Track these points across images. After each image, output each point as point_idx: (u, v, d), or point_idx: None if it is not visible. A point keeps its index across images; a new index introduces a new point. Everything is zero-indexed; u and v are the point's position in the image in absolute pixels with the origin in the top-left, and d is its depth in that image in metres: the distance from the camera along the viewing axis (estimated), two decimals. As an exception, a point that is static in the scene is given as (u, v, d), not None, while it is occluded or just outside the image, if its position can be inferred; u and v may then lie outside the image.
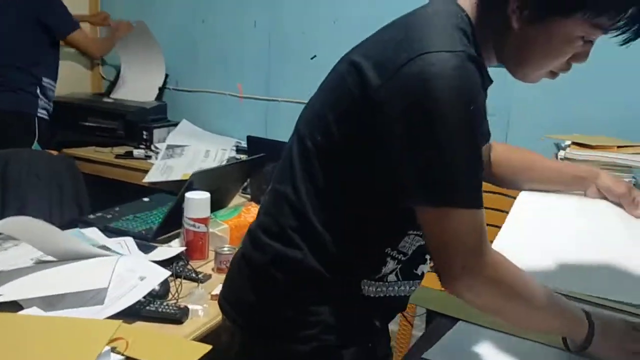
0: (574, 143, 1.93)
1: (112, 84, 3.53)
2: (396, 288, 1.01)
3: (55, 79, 2.85)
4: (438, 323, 1.07)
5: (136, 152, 2.85)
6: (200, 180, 1.58)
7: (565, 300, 0.94)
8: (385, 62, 0.83)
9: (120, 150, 2.91)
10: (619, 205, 1.25)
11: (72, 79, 3.57)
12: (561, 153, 1.87)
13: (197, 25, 3.24)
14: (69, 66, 3.59)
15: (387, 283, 0.99)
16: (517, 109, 2.60)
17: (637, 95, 2.40)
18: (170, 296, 1.29)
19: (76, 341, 0.95)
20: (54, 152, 2.24)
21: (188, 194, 1.49)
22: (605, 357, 0.92)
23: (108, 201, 1.91)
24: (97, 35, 3.69)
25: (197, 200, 1.50)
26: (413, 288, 1.05)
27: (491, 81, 0.96)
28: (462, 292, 0.86)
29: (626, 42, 0.87)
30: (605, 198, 1.27)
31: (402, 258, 0.97)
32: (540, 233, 1.18)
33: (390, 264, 0.96)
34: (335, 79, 0.92)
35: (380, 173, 0.86)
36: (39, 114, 2.72)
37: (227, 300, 1.03)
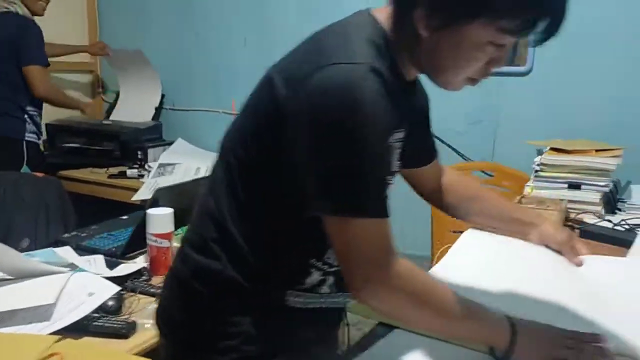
0: (551, 148, 1.92)
1: (112, 107, 3.61)
2: (329, 300, 1.01)
3: (38, 106, 2.88)
4: (374, 332, 1.05)
5: (129, 172, 2.90)
6: (164, 196, 1.60)
7: (486, 308, 0.92)
8: (293, 75, 0.84)
9: (115, 170, 2.97)
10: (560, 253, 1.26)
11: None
12: (537, 159, 1.86)
13: (191, 40, 3.32)
14: (71, 91, 3.69)
15: (318, 294, 0.99)
16: (505, 115, 2.58)
17: (626, 99, 2.37)
18: (123, 311, 1.30)
19: (7, 356, 0.97)
20: (40, 175, 2.29)
21: (150, 211, 1.51)
22: None
23: (100, 220, 1.94)
24: (97, 65, 3.80)
25: (159, 216, 1.51)
26: (348, 300, 1.04)
27: (411, 92, 0.96)
28: (366, 300, 0.86)
29: (537, 43, 0.87)
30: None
31: (328, 269, 0.97)
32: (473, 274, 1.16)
33: (315, 275, 0.96)
34: (253, 93, 0.94)
35: (291, 185, 0.87)
36: (27, 138, 2.78)
37: (159, 315, 1.04)
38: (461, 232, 1.39)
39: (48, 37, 3.35)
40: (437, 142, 2.79)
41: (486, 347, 0.93)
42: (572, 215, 1.73)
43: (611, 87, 2.38)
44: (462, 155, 2.69)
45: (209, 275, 0.94)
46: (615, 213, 1.76)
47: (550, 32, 0.84)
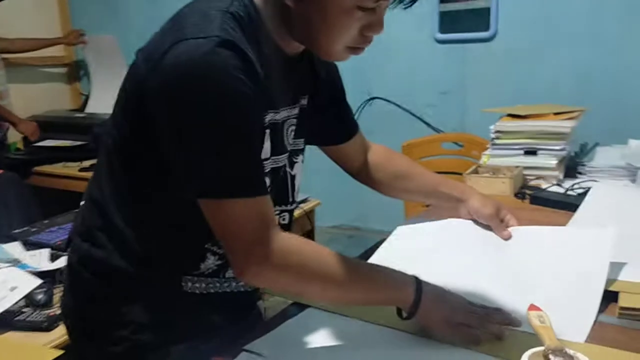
0: (507, 115, 1.86)
1: (87, 99, 3.59)
2: (234, 284, 0.98)
3: None
4: (285, 312, 1.02)
5: (102, 164, 2.88)
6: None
7: (390, 270, 0.90)
8: (151, 53, 0.81)
9: (87, 163, 2.95)
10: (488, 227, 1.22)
11: (50, 96, 3.67)
12: (492, 126, 1.81)
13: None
14: (47, 84, 3.68)
15: (223, 279, 0.96)
16: (472, 83, 2.52)
17: (593, 61, 2.30)
18: (53, 304, 1.29)
19: None
20: (-1, 171, 2.29)
21: (82, 203, 1.49)
22: (431, 325, 0.88)
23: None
24: (72, 56, 3.78)
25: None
26: None
27: (297, 66, 0.92)
28: (251, 280, 0.84)
29: (407, 5, 0.83)
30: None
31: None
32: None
33: (211, 260, 0.93)
34: (126, 74, 0.90)
35: (166, 164, 0.83)
36: None
37: (61, 305, 1.02)
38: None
39: (19, 30, 3.36)
40: (408, 115, 2.78)
41: (393, 309, 0.91)
42: (530, 182, 1.69)
43: (578, 49, 2.31)
44: (432, 127, 2.64)
45: (94, 263, 0.91)
46: (577, 177, 1.70)
47: None
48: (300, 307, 1.02)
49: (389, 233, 1.41)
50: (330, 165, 1.23)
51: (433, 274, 0.93)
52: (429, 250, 1.18)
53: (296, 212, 2.15)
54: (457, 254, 1.16)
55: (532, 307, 0.83)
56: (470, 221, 1.25)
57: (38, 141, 3.24)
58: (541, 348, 0.70)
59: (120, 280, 0.90)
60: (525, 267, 1.08)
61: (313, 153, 1.18)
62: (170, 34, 0.79)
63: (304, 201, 2.22)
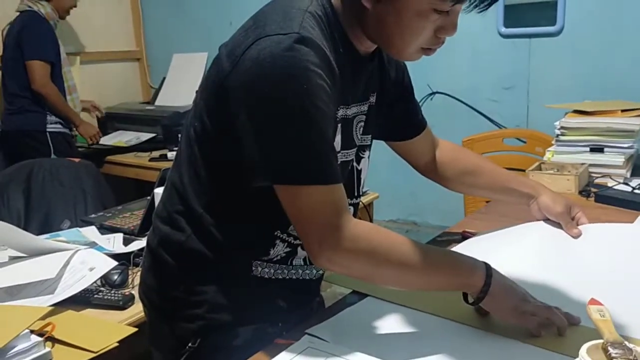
0: (573, 111, 1.83)
1: (157, 93, 3.74)
2: (300, 272, 1.03)
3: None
4: (344, 300, 1.06)
5: (170, 154, 3.00)
6: (174, 175, 1.65)
7: (460, 255, 0.93)
8: (234, 49, 0.86)
9: (157, 153, 3.09)
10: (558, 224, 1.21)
11: (122, 89, 3.84)
12: (557, 122, 1.78)
13: (225, 27, 3.37)
14: (120, 77, 3.86)
15: (290, 266, 1.01)
16: (537, 78, 2.48)
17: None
18: (128, 284, 1.37)
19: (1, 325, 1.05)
20: (76, 160, 2.42)
21: (157, 190, 1.57)
22: (497, 312, 0.89)
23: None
24: (143, 52, 3.94)
25: (165, 194, 1.56)
26: (321, 272, 1.06)
27: (370, 64, 0.97)
28: (325, 265, 0.87)
29: (482, 9, 0.85)
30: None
31: (294, 241, 0.98)
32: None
33: (280, 247, 0.97)
34: (209, 69, 0.96)
35: (240, 157, 0.88)
36: (49, 129, 2.94)
37: (140, 284, 1.09)
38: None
39: (94, 37, 3.54)
40: (470, 110, 2.75)
41: (459, 299, 0.93)
42: (595, 180, 1.66)
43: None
44: (495, 123, 2.61)
45: (173, 246, 0.97)
46: (646, 176, 1.66)
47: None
48: (359, 295, 1.06)
49: (446, 228, 1.42)
50: (388, 159, 1.26)
51: (500, 267, 0.94)
52: (497, 249, 1.18)
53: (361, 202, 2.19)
54: (526, 252, 1.16)
55: (593, 301, 0.83)
56: (540, 222, 1.24)
57: (109, 134, 3.42)
58: (600, 341, 0.71)
59: (197, 262, 0.96)
60: (593, 264, 1.08)
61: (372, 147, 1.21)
62: (253, 30, 0.85)
63: (363, 193, 2.24)
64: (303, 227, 0.86)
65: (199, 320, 0.96)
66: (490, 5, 0.85)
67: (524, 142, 2.38)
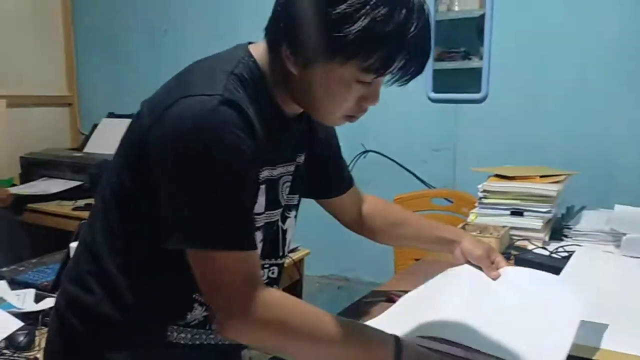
0: (495, 175, 1.90)
1: (87, 139, 3.64)
2: (220, 336, 0.99)
3: None
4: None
5: (95, 204, 2.90)
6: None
7: (370, 329, 0.92)
8: (156, 107, 0.85)
9: (82, 202, 2.97)
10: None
11: (51, 134, 3.71)
12: (480, 186, 1.84)
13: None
14: (48, 122, 3.73)
15: (208, 331, 0.97)
16: (463, 142, 2.58)
17: (581, 127, 2.36)
18: (34, 346, 1.28)
19: None
20: (-12, 209, 2.29)
21: (72, 244, 1.50)
22: None
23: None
24: (75, 98, 3.84)
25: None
26: None
27: (296, 126, 0.97)
28: (231, 335, 0.84)
29: (402, 83, 0.88)
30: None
31: None
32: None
33: (198, 310, 0.94)
34: (129, 125, 0.94)
35: (157, 216, 0.85)
36: None
37: (44, 348, 1.02)
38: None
39: (22, 80, 3.42)
40: (400, 169, 2.81)
41: None
42: (516, 242, 1.71)
43: (567, 114, 2.37)
44: (425, 183, 2.68)
45: (82, 309, 0.92)
46: (562, 239, 1.73)
47: (411, 69, 0.85)
48: (280, 360, 1.03)
49: (378, 285, 1.42)
50: (320, 215, 1.27)
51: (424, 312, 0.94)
52: (424, 306, 1.18)
53: (286, 262, 2.17)
54: (450, 294, 1.16)
55: None
56: (465, 265, 1.26)
57: (34, 180, 3.27)
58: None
59: (107, 327, 0.91)
60: (507, 307, 1.10)
61: (304, 202, 1.22)
62: (177, 88, 0.84)
63: (293, 250, 2.22)
64: (212, 294, 0.83)
65: None
66: (410, 79, 0.87)
67: (451, 202, 2.45)
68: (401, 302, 1.27)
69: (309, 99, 0.90)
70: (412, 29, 0.81)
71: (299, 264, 2.23)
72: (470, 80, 2.53)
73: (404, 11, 0.81)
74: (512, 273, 1.23)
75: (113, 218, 0.92)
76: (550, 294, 1.11)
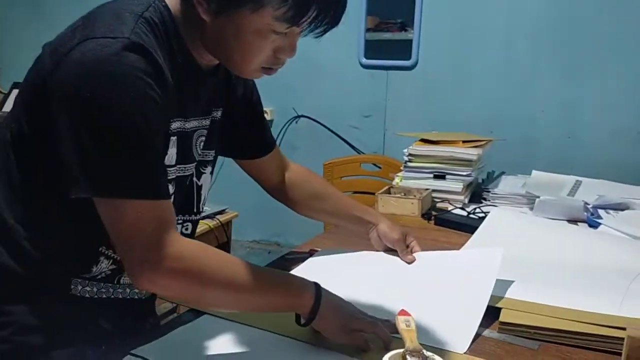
0: (420, 140, 1.94)
1: (7, 97, 3.45)
2: (129, 290, 0.97)
3: None
4: (180, 319, 1.02)
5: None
6: None
7: (290, 276, 0.93)
8: (58, 49, 0.81)
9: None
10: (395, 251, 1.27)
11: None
12: (406, 150, 1.87)
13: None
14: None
15: (116, 285, 0.95)
16: (393, 108, 2.62)
17: (506, 94, 2.44)
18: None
19: None
20: None
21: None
22: (327, 332, 0.90)
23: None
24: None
25: None
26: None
27: (211, 77, 0.95)
28: (146, 286, 0.83)
29: (318, 35, 0.86)
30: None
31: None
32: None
33: (104, 264, 0.91)
34: (30, 69, 0.89)
35: (58, 164, 0.82)
36: None
37: None
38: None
39: None
40: (331, 135, 2.83)
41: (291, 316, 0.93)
42: (437, 204, 1.77)
43: (491, 83, 2.44)
44: (355, 148, 2.71)
45: None
46: (481, 202, 1.79)
47: (325, 19, 0.84)
48: (196, 313, 1.02)
49: (298, 247, 1.43)
50: (251, 179, 1.25)
51: (335, 287, 0.95)
52: (335, 272, 1.21)
53: (212, 223, 2.15)
54: (363, 276, 1.20)
55: (402, 312, 0.87)
56: (380, 252, 1.29)
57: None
58: (402, 350, 0.74)
59: (4, 278, 0.87)
60: (421, 286, 1.14)
61: (234, 166, 1.20)
62: (80, 31, 0.80)
63: (221, 212, 2.21)
64: (122, 245, 0.80)
65: (4, 343, 0.87)
66: (325, 31, 0.86)
67: (380, 167, 2.50)
68: (316, 259, 1.29)
69: (222, 48, 0.87)
70: None
71: (226, 226, 2.22)
72: (403, 49, 2.56)
73: None
74: (425, 256, 1.26)
75: (11, 166, 0.87)
76: (463, 275, 1.14)
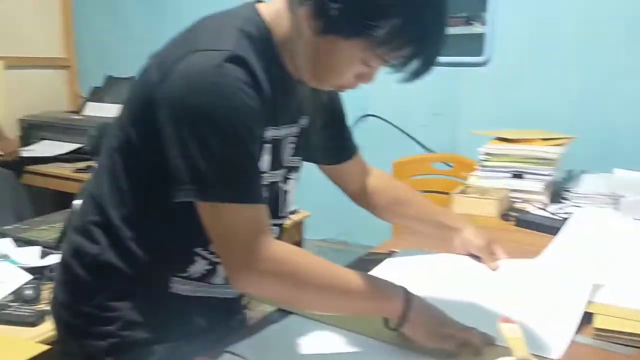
0: (497, 138, 1.90)
1: (86, 102, 3.61)
2: (221, 290, 1.01)
3: None
4: (268, 318, 1.04)
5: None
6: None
7: (380, 280, 0.93)
8: (164, 61, 0.85)
9: (82, 165, 2.97)
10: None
11: (49, 97, 3.69)
12: (481, 148, 1.84)
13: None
14: (46, 85, 3.70)
15: (210, 284, 0.98)
16: (464, 106, 2.57)
17: (583, 90, 2.35)
18: (41, 300, 1.30)
19: None
20: (-9, 169, 2.30)
21: (76, 202, 1.51)
22: (417, 337, 0.90)
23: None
24: (73, 60, 3.80)
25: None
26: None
27: (302, 88, 0.97)
28: (243, 287, 0.86)
29: (406, 80, 0.87)
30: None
31: (215, 259, 0.96)
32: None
33: (200, 264, 0.95)
34: (135, 80, 0.93)
35: (163, 170, 0.86)
36: None
37: (51, 299, 1.04)
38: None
39: (20, 41, 3.37)
40: (400, 134, 2.81)
41: (381, 318, 0.93)
42: (516, 205, 1.73)
43: (569, 77, 2.36)
44: (423, 147, 2.68)
45: (86, 258, 0.94)
46: (561, 202, 1.74)
47: (419, 72, 0.85)
48: (283, 313, 1.04)
49: (375, 249, 1.43)
50: (321, 178, 1.26)
51: (416, 290, 0.95)
52: (419, 270, 1.20)
53: (286, 223, 2.18)
54: (446, 280, 1.18)
55: (504, 319, 0.86)
56: (463, 256, 1.27)
57: (32, 143, 3.27)
58: (511, 358, 0.73)
59: (111, 276, 0.92)
60: (508, 292, 1.11)
61: (306, 166, 1.22)
62: (185, 44, 0.84)
63: (294, 212, 2.24)
64: (223, 247, 0.85)
65: (111, 337, 0.93)
66: (416, 75, 0.86)
67: (451, 166, 2.46)
68: (397, 260, 1.29)
69: (310, 63, 0.89)
70: (437, 37, 0.83)
71: (299, 225, 2.25)
72: (473, 45, 2.51)
73: (436, 19, 0.83)
74: (510, 263, 1.23)
75: (118, 171, 0.92)
76: (553, 283, 1.11)
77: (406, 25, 0.80)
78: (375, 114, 2.80)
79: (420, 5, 0.81)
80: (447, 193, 1.98)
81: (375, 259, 1.35)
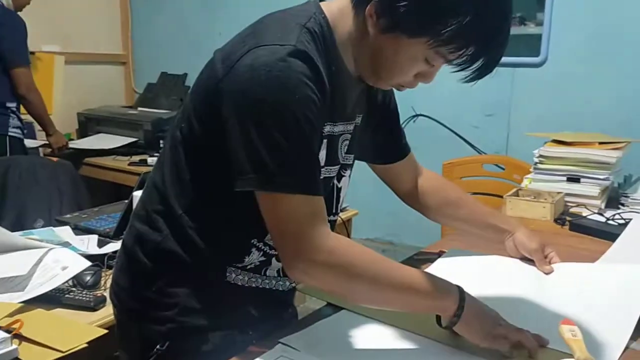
0: (552, 140, 1.86)
1: (141, 97, 3.73)
2: (274, 282, 1.03)
3: (15, 101, 2.75)
4: (319, 312, 1.06)
5: (150, 160, 2.99)
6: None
7: (435, 277, 0.92)
8: (230, 55, 0.87)
9: (137, 158, 3.06)
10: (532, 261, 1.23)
11: (106, 92, 3.82)
12: (536, 151, 1.81)
13: (214, 37, 3.38)
14: (103, 80, 3.83)
15: (263, 276, 1.01)
16: (518, 107, 2.53)
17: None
18: (100, 286, 1.35)
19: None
20: (55, 159, 2.38)
21: (135, 192, 1.56)
22: (470, 336, 0.89)
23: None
24: (129, 57, 3.92)
25: (144, 198, 1.55)
26: (294, 284, 1.06)
27: (359, 86, 0.99)
28: (299, 276, 0.87)
29: (468, 80, 0.88)
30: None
31: (270, 251, 0.98)
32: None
33: (255, 255, 0.97)
34: (200, 73, 0.96)
35: (225, 161, 0.88)
36: (10, 133, 2.70)
37: (111, 284, 1.08)
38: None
39: (80, 38, 3.50)
40: (451, 134, 2.78)
41: (433, 315, 0.93)
42: (570, 209, 1.69)
43: (628, 80, 2.29)
44: (475, 148, 2.65)
45: (149, 245, 0.97)
46: (618, 207, 1.69)
47: (481, 72, 0.86)
48: (334, 308, 1.06)
49: (422, 249, 1.42)
50: (371, 177, 1.27)
51: (472, 288, 0.94)
52: (470, 270, 1.20)
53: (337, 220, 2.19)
54: (499, 282, 1.17)
55: (565, 321, 0.85)
56: (514, 259, 1.25)
57: (90, 135, 3.39)
58: (572, 359, 0.72)
59: (171, 263, 0.95)
60: (561, 296, 1.09)
61: (356, 164, 1.22)
62: (250, 38, 0.86)
63: (343, 210, 2.25)
64: (280, 236, 0.86)
65: (170, 322, 0.96)
66: (478, 75, 0.87)
67: (503, 168, 2.42)
68: (448, 260, 1.28)
69: (373, 62, 0.91)
70: (501, 38, 0.84)
71: (347, 223, 2.26)
72: (528, 44, 2.46)
73: (500, 19, 0.83)
74: (564, 267, 1.20)
75: (181, 162, 0.95)
76: (608, 288, 1.09)
77: (471, 25, 0.80)
78: (424, 113, 2.78)
79: (486, 5, 0.81)
80: (498, 195, 1.96)
81: (425, 258, 1.35)
